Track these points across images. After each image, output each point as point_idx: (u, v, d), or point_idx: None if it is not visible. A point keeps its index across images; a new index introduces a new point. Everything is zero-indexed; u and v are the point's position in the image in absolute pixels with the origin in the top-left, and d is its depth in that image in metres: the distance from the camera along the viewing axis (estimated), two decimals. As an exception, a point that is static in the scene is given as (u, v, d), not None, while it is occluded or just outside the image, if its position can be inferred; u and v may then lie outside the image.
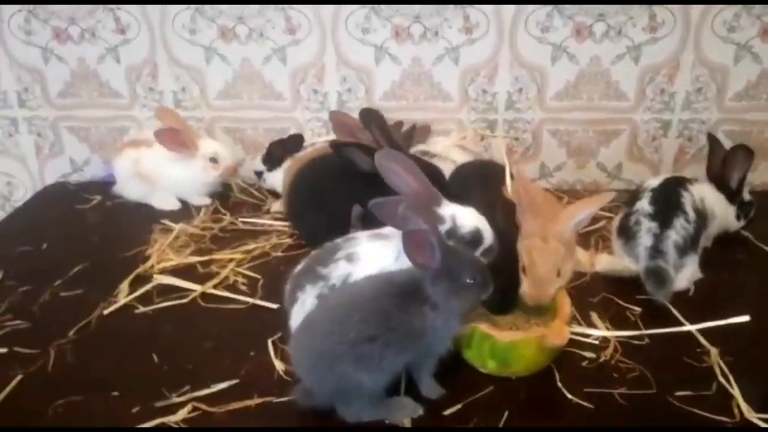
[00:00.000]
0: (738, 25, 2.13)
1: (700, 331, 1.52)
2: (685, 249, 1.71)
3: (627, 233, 1.78)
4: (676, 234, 1.71)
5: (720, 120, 2.28)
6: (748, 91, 2.24)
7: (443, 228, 1.43)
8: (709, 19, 2.13)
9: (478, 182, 1.80)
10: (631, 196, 1.88)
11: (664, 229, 1.72)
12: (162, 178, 2.26)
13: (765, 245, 1.93)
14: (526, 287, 1.47)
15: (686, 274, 1.72)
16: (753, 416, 1.29)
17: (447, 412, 1.31)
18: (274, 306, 1.65)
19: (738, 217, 1.96)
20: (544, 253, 1.44)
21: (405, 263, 1.33)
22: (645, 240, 1.72)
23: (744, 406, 1.30)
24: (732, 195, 1.93)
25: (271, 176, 2.30)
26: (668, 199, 1.78)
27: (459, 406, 1.32)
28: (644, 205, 1.78)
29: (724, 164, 1.92)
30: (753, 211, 1.99)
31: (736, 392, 1.34)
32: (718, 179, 1.93)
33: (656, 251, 1.70)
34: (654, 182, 1.86)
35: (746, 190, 1.98)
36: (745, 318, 1.46)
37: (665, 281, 1.65)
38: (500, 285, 1.36)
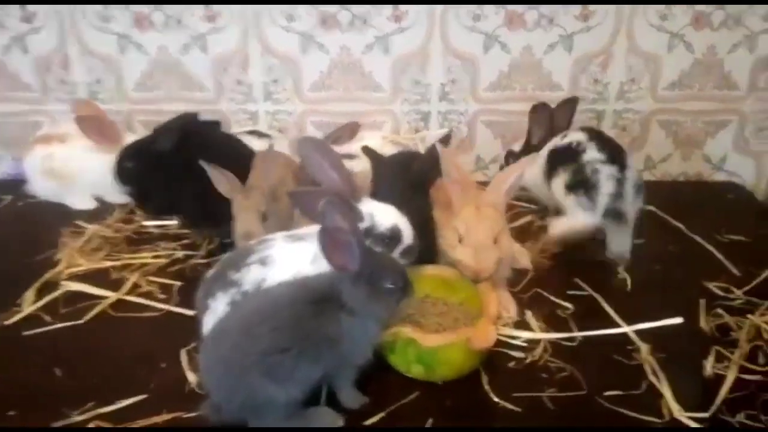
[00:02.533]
0: (670, 14, 2.12)
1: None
2: (640, 186, 1.77)
3: (586, 185, 1.76)
4: (633, 172, 1.76)
5: (654, 110, 2.27)
6: (681, 80, 2.22)
7: (361, 226, 1.36)
8: (642, 8, 2.11)
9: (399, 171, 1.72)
10: (556, 157, 1.86)
11: (623, 170, 1.74)
12: (78, 175, 2.12)
13: (696, 235, 1.91)
14: (464, 258, 1.43)
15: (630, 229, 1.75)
16: (682, 415, 1.25)
17: (369, 421, 1.25)
18: (191, 313, 1.55)
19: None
20: (480, 220, 1.43)
21: (322, 266, 1.26)
22: (607, 187, 1.72)
23: (674, 406, 1.27)
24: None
25: None
26: (611, 142, 1.83)
27: (382, 414, 1.26)
28: (594, 154, 1.78)
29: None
30: None
31: (665, 391, 1.31)
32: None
33: (618, 195, 1.72)
34: (580, 135, 1.85)
35: None
36: (678, 320, 1.44)
37: (623, 219, 1.71)
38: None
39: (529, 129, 2.00)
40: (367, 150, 1.67)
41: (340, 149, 2.03)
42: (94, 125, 2.04)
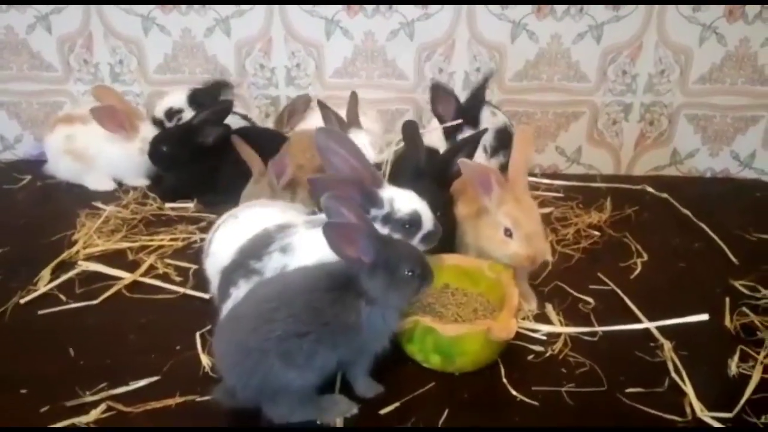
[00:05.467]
0: (703, 5, 2.05)
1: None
2: None
3: None
4: None
5: (683, 104, 2.21)
6: (712, 74, 2.17)
7: (381, 212, 1.33)
8: (674, -3, 2.06)
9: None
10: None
11: None
12: (97, 157, 2.12)
13: (723, 233, 1.86)
14: (517, 249, 1.42)
15: None
16: (705, 415, 1.22)
17: (383, 411, 1.22)
18: (206, 296, 1.54)
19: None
20: (526, 210, 1.44)
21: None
22: None
23: (696, 405, 1.24)
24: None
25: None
26: None
27: (397, 404, 1.24)
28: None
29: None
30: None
31: (688, 389, 1.27)
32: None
33: None
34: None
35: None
36: (704, 317, 1.39)
37: None
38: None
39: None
40: (407, 126, 1.63)
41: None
42: (109, 114, 2.04)
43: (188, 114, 2.09)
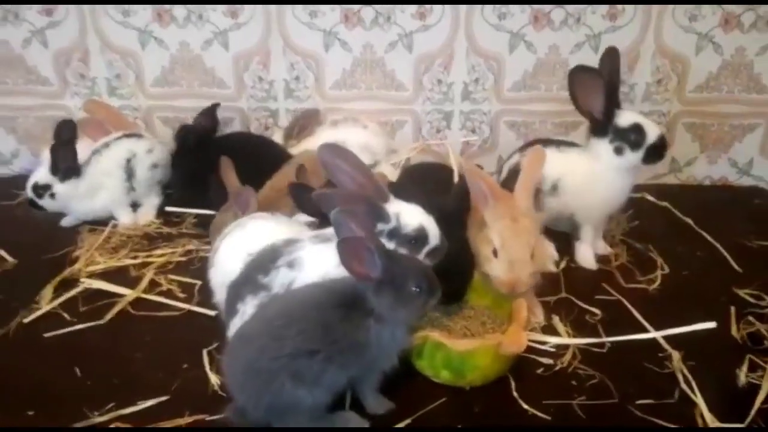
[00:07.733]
0: (699, 14, 2.08)
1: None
2: None
3: None
4: None
5: (680, 112, 2.23)
6: (708, 82, 2.18)
7: (387, 227, 1.32)
8: (670, 8, 2.07)
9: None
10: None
11: None
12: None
13: (724, 241, 1.87)
14: (499, 273, 1.39)
15: None
16: (717, 425, 1.22)
17: (395, 426, 1.22)
18: (212, 313, 1.53)
19: (619, 151, 1.65)
20: (517, 233, 1.38)
21: (348, 269, 1.23)
22: None
23: (708, 416, 1.24)
24: (600, 127, 1.65)
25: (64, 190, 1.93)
26: None
27: (408, 420, 1.23)
28: None
29: (574, 95, 1.64)
30: (648, 139, 1.62)
31: (699, 400, 1.27)
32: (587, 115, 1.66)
33: None
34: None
35: (624, 115, 1.66)
36: (712, 324, 1.39)
37: None
38: (450, 272, 1.32)
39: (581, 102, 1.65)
40: None
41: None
42: (95, 128, 2.02)
43: (58, 187, 1.90)
